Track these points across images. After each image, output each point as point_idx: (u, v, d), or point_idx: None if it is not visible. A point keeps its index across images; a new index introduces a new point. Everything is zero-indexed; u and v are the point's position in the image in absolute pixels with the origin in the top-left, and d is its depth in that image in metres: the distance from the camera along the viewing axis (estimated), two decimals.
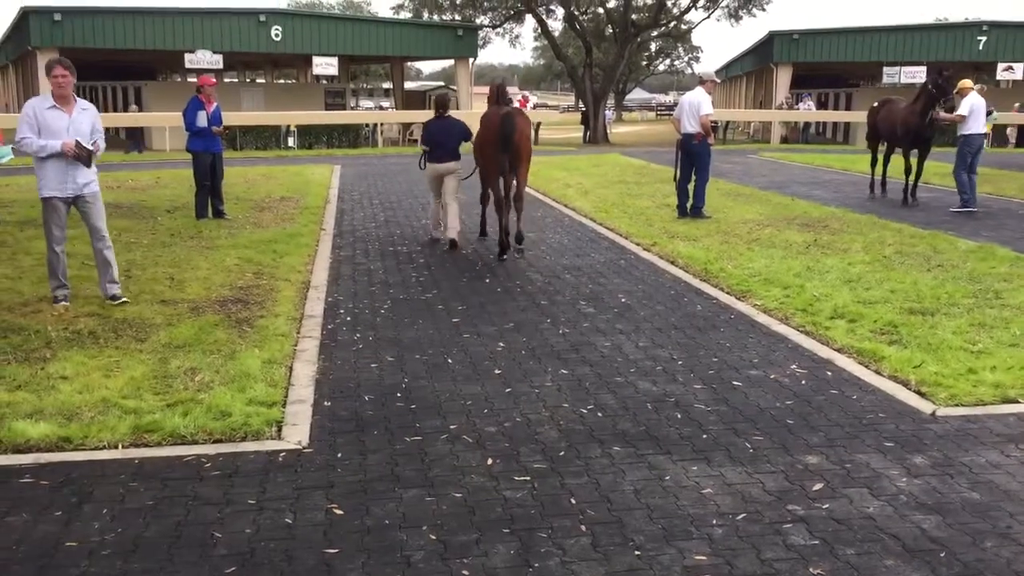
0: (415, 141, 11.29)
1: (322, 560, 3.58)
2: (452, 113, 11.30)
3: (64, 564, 3.54)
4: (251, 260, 9.58)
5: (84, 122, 7.23)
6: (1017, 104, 31.47)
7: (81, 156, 7.12)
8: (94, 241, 7.52)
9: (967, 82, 14.30)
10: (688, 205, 12.88)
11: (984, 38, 34.66)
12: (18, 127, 7.20)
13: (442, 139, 10.76)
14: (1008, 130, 32.45)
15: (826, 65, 38.44)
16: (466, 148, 10.96)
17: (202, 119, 12.38)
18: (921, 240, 10.85)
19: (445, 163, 10.75)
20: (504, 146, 9.82)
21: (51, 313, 7.15)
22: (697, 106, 12.60)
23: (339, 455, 4.60)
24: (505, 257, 9.99)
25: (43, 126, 7.08)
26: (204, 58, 30.22)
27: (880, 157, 16.05)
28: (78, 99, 7.37)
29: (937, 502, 4.09)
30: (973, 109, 13.82)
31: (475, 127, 10.61)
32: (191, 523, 3.87)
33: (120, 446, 4.67)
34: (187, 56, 30.14)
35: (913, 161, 14.73)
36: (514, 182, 10.16)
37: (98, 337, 6.57)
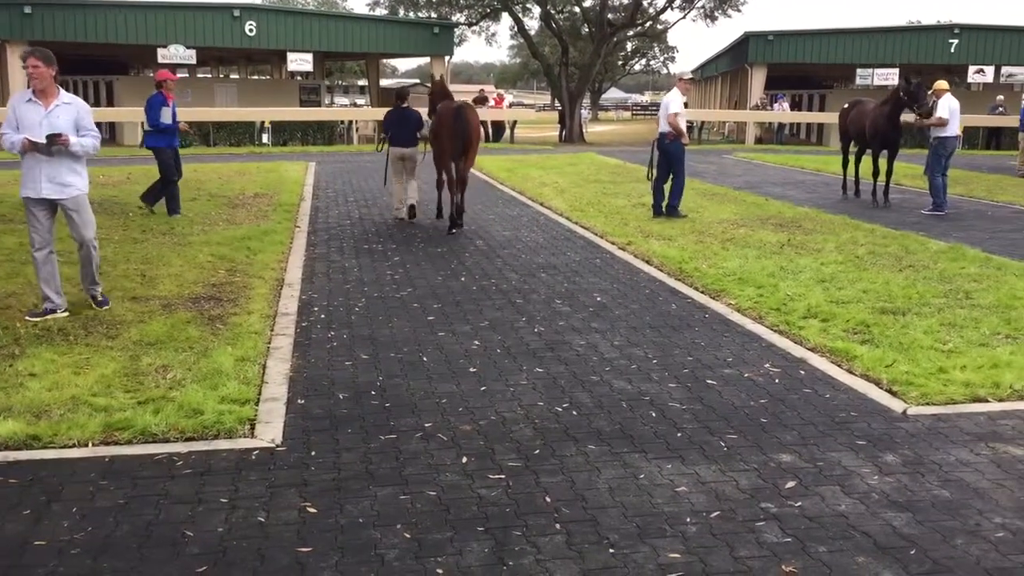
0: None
1: (295, 559, 3.55)
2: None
3: (32, 564, 3.49)
4: (224, 257, 9.50)
5: (62, 116, 6.71)
6: (1000, 108, 31.85)
7: (40, 149, 6.61)
8: (79, 249, 7.13)
9: (943, 84, 14.38)
10: (664, 204, 12.95)
11: (956, 41, 35.03)
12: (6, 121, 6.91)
13: (401, 126, 12.53)
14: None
15: (800, 66, 38.70)
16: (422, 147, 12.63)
17: (166, 115, 12.28)
18: (893, 240, 10.96)
19: (404, 148, 12.48)
20: (456, 135, 11.31)
21: (24, 318, 6.85)
22: (666, 105, 12.86)
23: (313, 453, 4.57)
24: (454, 231, 11.58)
25: (20, 120, 6.73)
26: (177, 53, 29.94)
27: (852, 158, 16.19)
28: (62, 92, 6.85)
29: (908, 500, 4.13)
30: (950, 111, 13.93)
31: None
32: (162, 522, 3.83)
33: (90, 444, 4.62)
34: (160, 51, 29.83)
35: (882, 163, 14.88)
36: (461, 166, 11.60)
37: (68, 334, 6.49)
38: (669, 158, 12.89)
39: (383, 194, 15.83)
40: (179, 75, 42.52)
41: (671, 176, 12.96)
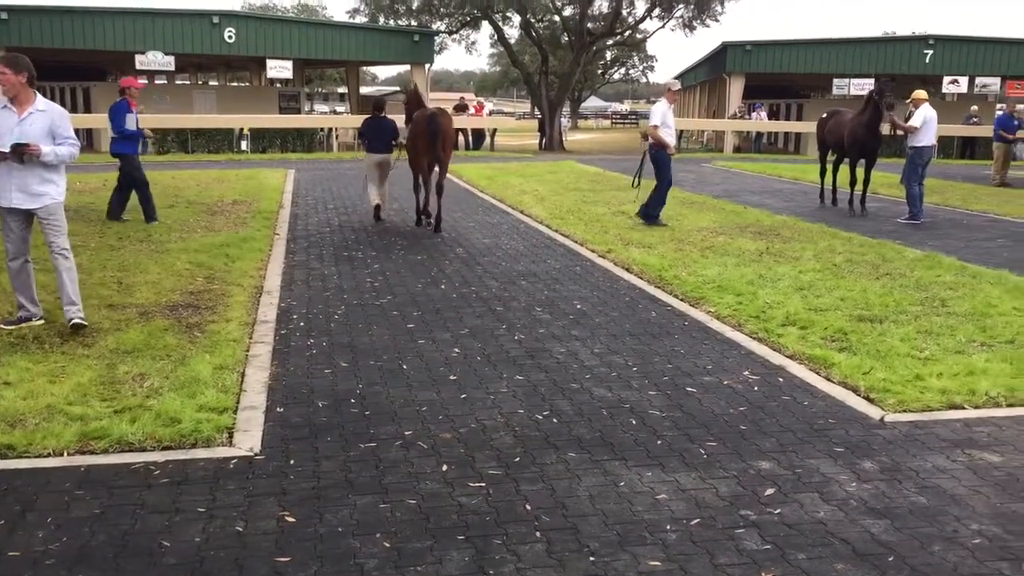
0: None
1: (273, 569, 3.53)
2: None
3: (7, 574, 3.44)
4: (203, 264, 9.44)
5: (36, 124, 6.47)
6: (975, 118, 32.21)
7: (9, 158, 6.36)
8: (50, 254, 6.79)
9: (921, 93, 14.53)
10: (643, 210, 13.10)
11: (931, 52, 35.45)
12: None
13: (377, 134, 13.25)
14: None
15: (778, 76, 39.00)
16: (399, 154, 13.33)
17: (131, 121, 12.30)
18: (870, 249, 11.04)
19: (380, 154, 13.24)
20: (431, 141, 12.00)
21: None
22: (651, 116, 13.06)
23: (292, 462, 4.54)
24: (423, 225, 12.65)
25: None
26: (155, 59, 29.77)
27: (829, 167, 16.33)
28: (38, 99, 6.59)
29: (886, 507, 4.15)
30: (926, 120, 14.07)
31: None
32: (138, 532, 3.79)
33: (66, 453, 4.57)
34: (138, 57, 29.65)
35: (860, 172, 15.01)
36: (437, 169, 12.29)
37: (43, 342, 6.42)
38: (655, 166, 13.05)
39: (363, 201, 15.78)
40: (158, 81, 42.50)
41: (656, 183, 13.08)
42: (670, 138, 13.06)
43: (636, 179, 13.88)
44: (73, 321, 6.68)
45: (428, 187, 12.51)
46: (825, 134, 15.97)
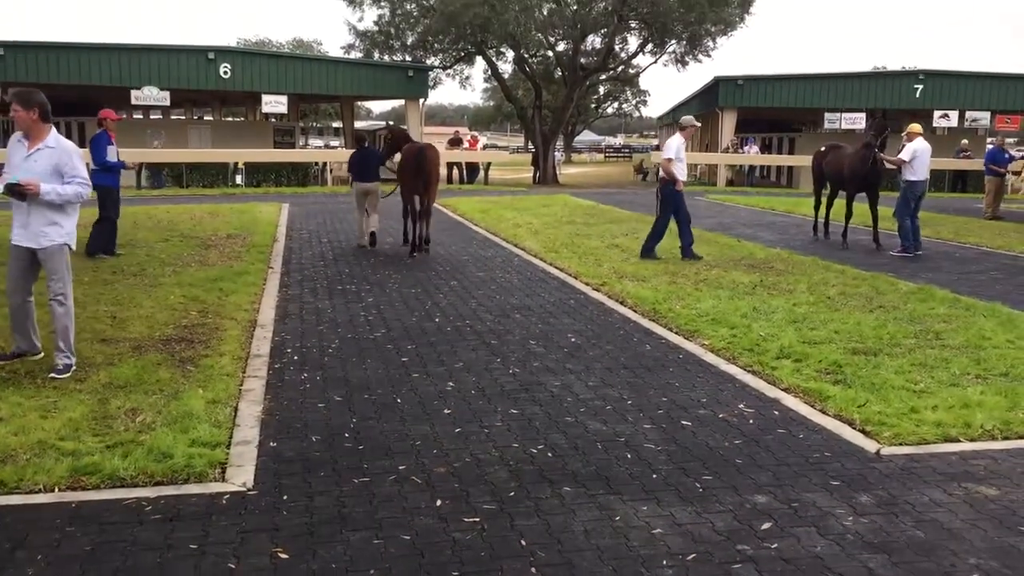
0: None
1: None
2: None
3: None
4: (196, 298, 9.42)
5: (40, 161, 6.31)
6: (967, 152, 32.49)
7: (10, 195, 6.22)
8: (48, 295, 6.58)
9: (916, 127, 14.67)
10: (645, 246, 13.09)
11: (920, 86, 35.82)
12: None
13: (363, 165, 14.42)
14: None
15: (770, 110, 39.34)
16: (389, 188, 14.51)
17: (112, 153, 12.37)
18: (863, 281, 11.07)
19: (367, 183, 14.32)
20: (418, 172, 13.15)
21: None
22: (664, 149, 13.13)
23: (285, 497, 4.51)
24: (415, 255, 13.26)
25: (9, 160, 6.45)
26: (151, 95, 29.92)
27: (824, 200, 16.42)
28: (50, 135, 6.41)
29: (883, 541, 4.13)
30: (916, 154, 14.16)
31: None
32: (130, 569, 3.75)
33: (57, 489, 4.52)
34: (134, 93, 29.80)
35: (865, 208, 15.04)
36: (425, 199, 13.43)
37: (35, 377, 6.38)
38: (661, 201, 13.05)
39: (356, 235, 15.82)
40: (153, 116, 42.65)
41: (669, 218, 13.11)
42: (680, 173, 13.02)
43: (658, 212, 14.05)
44: (56, 366, 6.47)
45: (416, 214, 13.60)
46: (824, 167, 16.05)
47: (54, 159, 6.35)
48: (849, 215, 15.18)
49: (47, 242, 6.45)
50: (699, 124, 14.02)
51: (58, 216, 6.45)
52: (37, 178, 6.27)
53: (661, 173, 13.31)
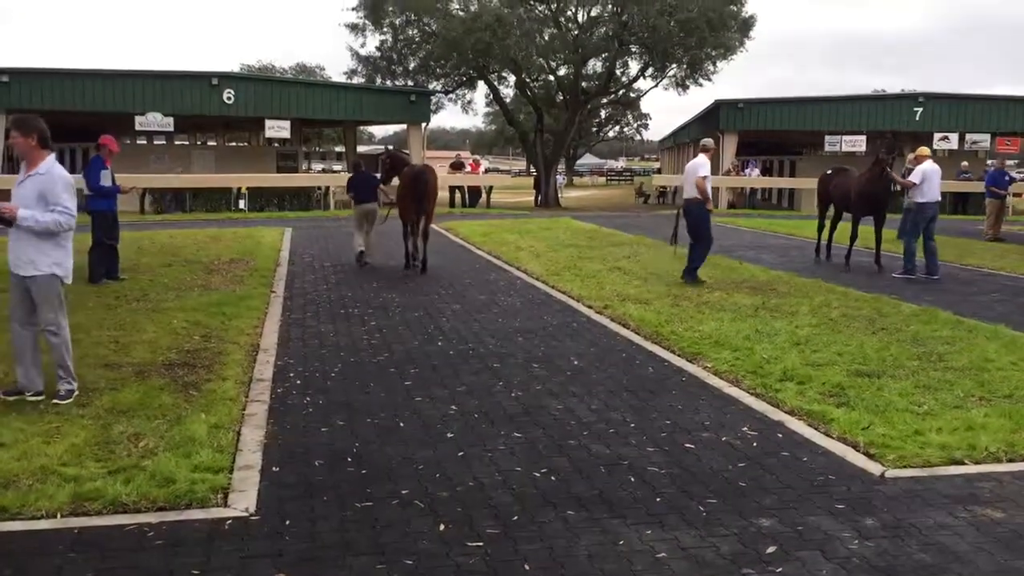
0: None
1: None
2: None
3: None
4: (199, 323, 9.43)
5: (28, 187, 6.26)
6: (967, 174, 32.55)
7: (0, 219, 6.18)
8: (41, 325, 6.49)
9: (925, 150, 14.75)
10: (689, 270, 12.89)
11: (920, 109, 35.92)
12: None
13: (362, 187, 15.18)
14: None
15: (770, 133, 39.46)
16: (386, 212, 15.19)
17: (106, 178, 12.41)
18: (866, 303, 11.07)
19: (366, 204, 15.06)
20: (417, 194, 13.86)
21: None
22: (695, 169, 12.84)
23: (287, 522, 4.49)
24: (412, 267, 14.23)
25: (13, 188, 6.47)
26: (155, 120, 30.06)
27: (827, 223, 16.44)
28: (44, 162, 6.34)
29: (889, 564, 4.10)
30: (926, 176, 14.19)
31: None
32: None
33: (59, 515, 4.51)
34: (137, 118, 29.93)
35: (870, 230, 15.05)
36: (423, 220, 14.04)
37: (38, 403, 6.38)
38: (692, 222, 12.94)
39: (353, 248, 15.89)
40: (157, 142, 42.83)
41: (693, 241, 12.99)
42: (710, 193, 12.88)
43: (673, 238, 14.05)
44: (59, 391, 6.42)
45: (416, 235, 14.25)
46: (830, 190, 16.08)
47: (40, 186, 6.26)
48: (854, 237, 15.19)
49: (33, 270, 6.33)
50: (713, 144, 14.03)
51: (46, 245, 6.32)
52: (16, 204, 6.21)
53: (684, 195, 13.11)
